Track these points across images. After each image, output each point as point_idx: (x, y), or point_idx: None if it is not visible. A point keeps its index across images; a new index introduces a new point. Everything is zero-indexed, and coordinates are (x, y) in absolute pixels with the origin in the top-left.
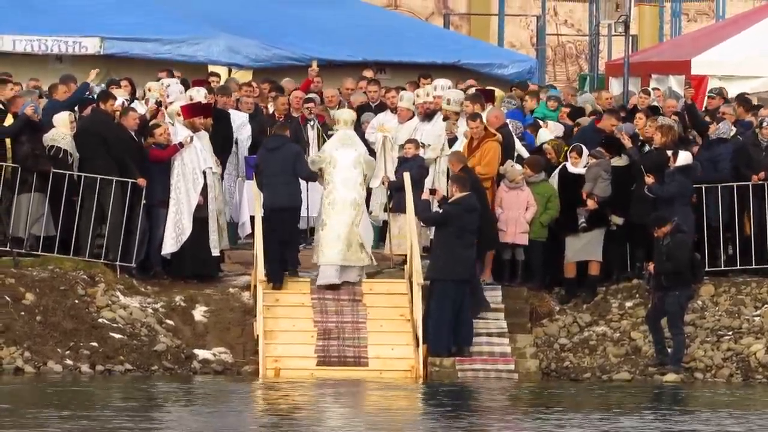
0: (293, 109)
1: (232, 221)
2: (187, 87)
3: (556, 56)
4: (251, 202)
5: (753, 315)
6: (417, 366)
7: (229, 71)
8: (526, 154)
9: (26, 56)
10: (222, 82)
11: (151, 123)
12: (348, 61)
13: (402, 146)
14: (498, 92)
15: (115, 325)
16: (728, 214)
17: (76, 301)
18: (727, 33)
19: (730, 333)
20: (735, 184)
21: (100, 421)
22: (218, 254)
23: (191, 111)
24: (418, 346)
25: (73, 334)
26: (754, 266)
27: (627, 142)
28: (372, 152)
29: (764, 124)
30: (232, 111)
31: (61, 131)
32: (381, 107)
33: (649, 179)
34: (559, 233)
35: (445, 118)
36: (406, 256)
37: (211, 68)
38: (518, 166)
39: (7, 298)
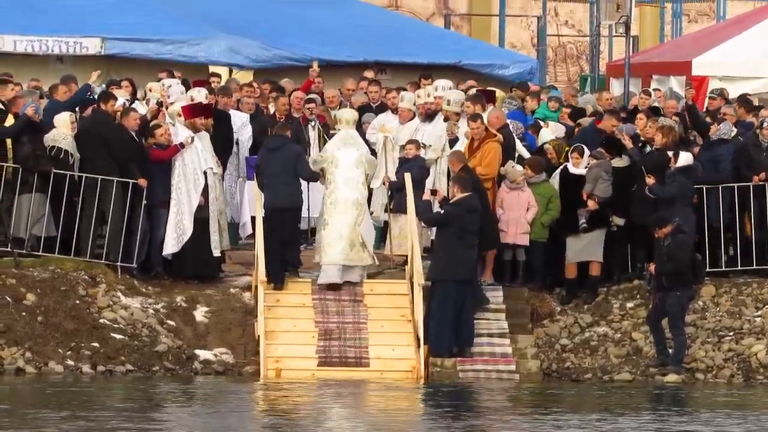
0: (294, 109)
1: (233, 222)
2: (187, 87)
3: (557, 57)
4: (252, 202)
5: (754, 316)
6: (418, 366)
7: (230, 72)
8: (527, 154)
9: (27, 57)
10: (223, 83)
11: (152, 123)
12: (349, 62)
13: (403, 147)
14: (499, 93)
15: (116, 325)
16: (729, 214)
17: (77, 302)
18: (728, 34)
19: (731, 334)
20: (736, 184)
21: (99, 421)
22: (219, 255)
23: (192, 111)
24: (419, 346)
25: (74, 334)
26: (755, 267)
27: (628, 143)
28: (373, 153)
29: (765, 124)
30: (232, 111)
31: (62, 132)
32: (382, 108)
33: (650, 180)
34: (560, 234)
35: (446, 119)
36: (406, 256)
37: (211, 69)
38: (519, 167)
39: (8, 298)
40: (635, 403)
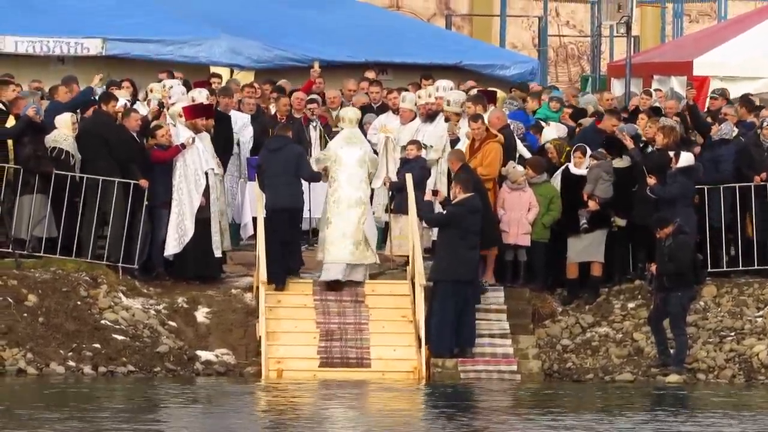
0: (295, 110)
1: (234, 222)
2: (188, 88)
3: (558, 57)
4: (253, 203)
5: (755, 316)
6: (419, 367)
7: (231, 72)
8: (528, 155)
9: (28, 57)
10: (223, 83)
11: (153, 124)
12: (349, 62)
13: (404, 147)
14: (500, 93)
15: (117, 326)
16: (730, 215)
17: (79, 303)
18: (729, 34)
19: (733, 334)
20: (737, 185)
21: (99, 422)
22: (220, 255)
23: (193, 112)
24: (420, 347)
25: (76, 335)
26: (756, 267)
27: (629, 143)
28: (375, 153)
29: (766, 124)
30: (233, 112)
31: (63, 133)
32: (383, 108)
33: (651, 180)
34: (562, 234)
35: (447, 119)
36: (407, 257)
37: (212, 69)
38: (520, 168)
39: (10, 299)
40: (636, 403)
